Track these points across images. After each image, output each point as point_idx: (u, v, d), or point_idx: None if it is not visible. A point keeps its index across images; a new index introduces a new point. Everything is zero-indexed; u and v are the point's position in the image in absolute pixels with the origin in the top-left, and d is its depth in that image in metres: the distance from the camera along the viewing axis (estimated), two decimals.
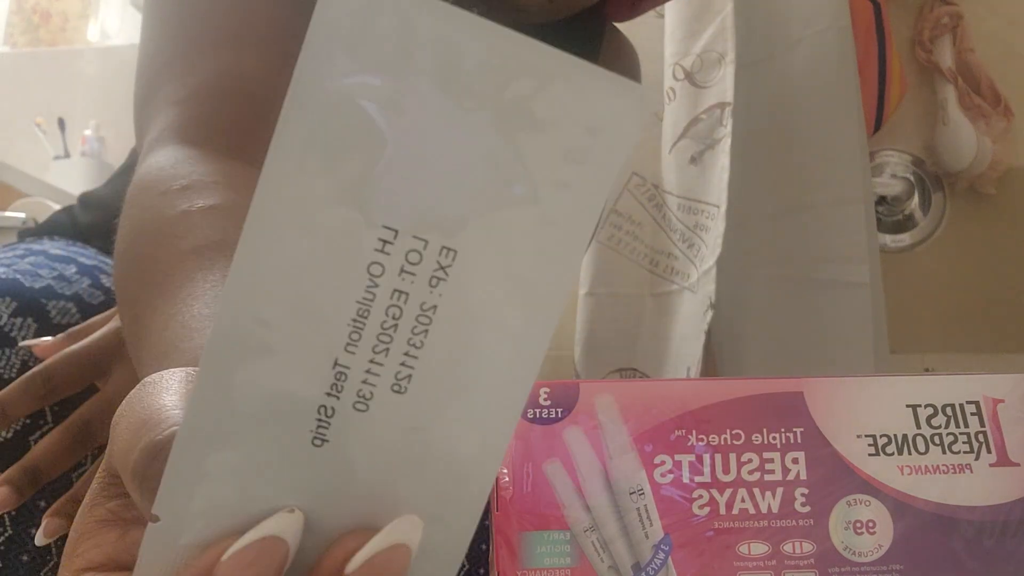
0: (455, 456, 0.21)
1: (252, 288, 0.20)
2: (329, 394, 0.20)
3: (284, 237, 0.19)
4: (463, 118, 0.19)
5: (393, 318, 0.20)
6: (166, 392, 0.24)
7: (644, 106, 0.19)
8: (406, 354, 0.20)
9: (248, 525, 0.20)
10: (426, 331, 0.20)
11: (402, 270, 0.20)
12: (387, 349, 0.20)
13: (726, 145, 0.92)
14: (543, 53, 0.19)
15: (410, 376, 0.21)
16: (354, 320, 0.20)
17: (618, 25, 0.74)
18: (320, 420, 0.21)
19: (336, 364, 0.20)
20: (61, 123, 1.79)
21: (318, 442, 0.21)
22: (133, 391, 0.25)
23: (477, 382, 0.21)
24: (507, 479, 0.36)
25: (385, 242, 0.20)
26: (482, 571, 0.51)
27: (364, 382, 0.20)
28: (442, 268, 0.20)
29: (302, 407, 0.21)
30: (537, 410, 0.37)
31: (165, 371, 0.26)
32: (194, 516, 0.21)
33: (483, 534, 0.51)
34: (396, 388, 0.21)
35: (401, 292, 0.20)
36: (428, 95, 0.19)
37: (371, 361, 0.20)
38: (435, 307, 0.20)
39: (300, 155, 0.19)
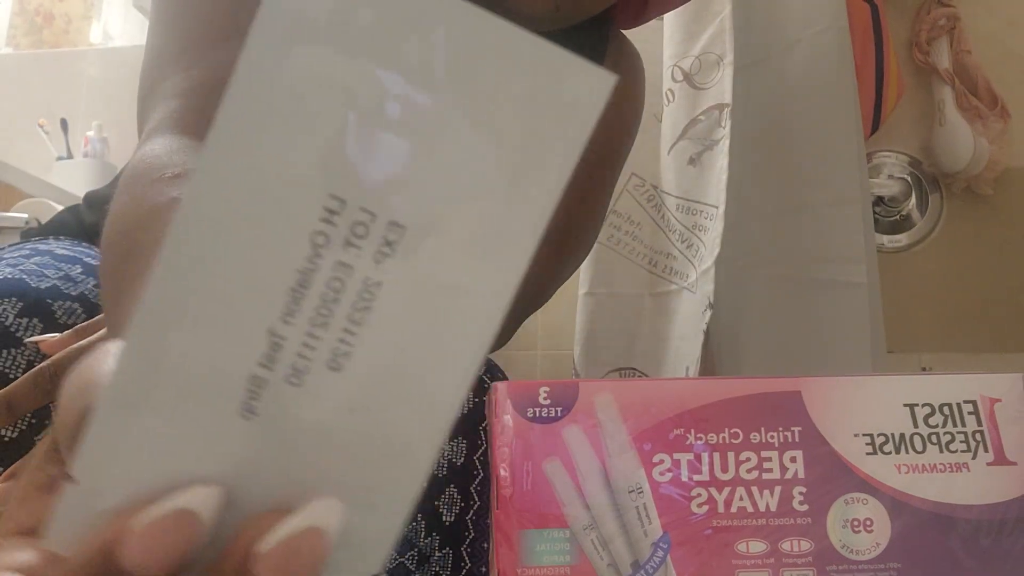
0: (390, 442, 0.20)
1: (189, 250, 0.19)
2: (262, 364, 0.20)
3: (226, 201, 0.19)
4: (424, 96, 0.19)
5: (334, 291, 0.19)
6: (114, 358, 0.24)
7: (606, 89, 0.19)
8: (345, 330, 0.20)
9: (167, 496, 0.20)
10: (368, 308, 0.19)
11: (347, 242, 0.19)
12: (326, 323, 0.19)
13: (725, 146, 0.92)
14: (509, 34, 0.19)
15: (348, 354, 0.20)
16: (293, 290, 0.19)
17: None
18: (251, 391, 0.20)
19: (271, 334, 0.19)
20: (64, 124, 1.79)
21: (247, 414, 0.20)
22: (85, 358, 0.25)
23: (417, 367, 0.20)
24: (506, 477, 0.37)
25: (331, 212, 0.19)
26: (483, 569, 0.51)
27: (300, 355, 0.20)
28: (388, 244, 0.19)
29: (232, 376, 0.20)
30: (537, 409, 0.37)
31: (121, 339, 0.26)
32: (113, 482, 0.20)
33: (484, 532, 0.52)
34: (332, 365, 0.20)
35: (345, 265, 0.19)
36: (389, 70, 0.19)
37: (308, 334, 0.20)
38: (380, 284, 0.19)
39: (251, 120, 0.19)
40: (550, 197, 0.20)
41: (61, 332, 0.50)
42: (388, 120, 0.19)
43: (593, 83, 0.19)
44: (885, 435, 0.38)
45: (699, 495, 0.37)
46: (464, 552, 0.53)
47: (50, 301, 0.51)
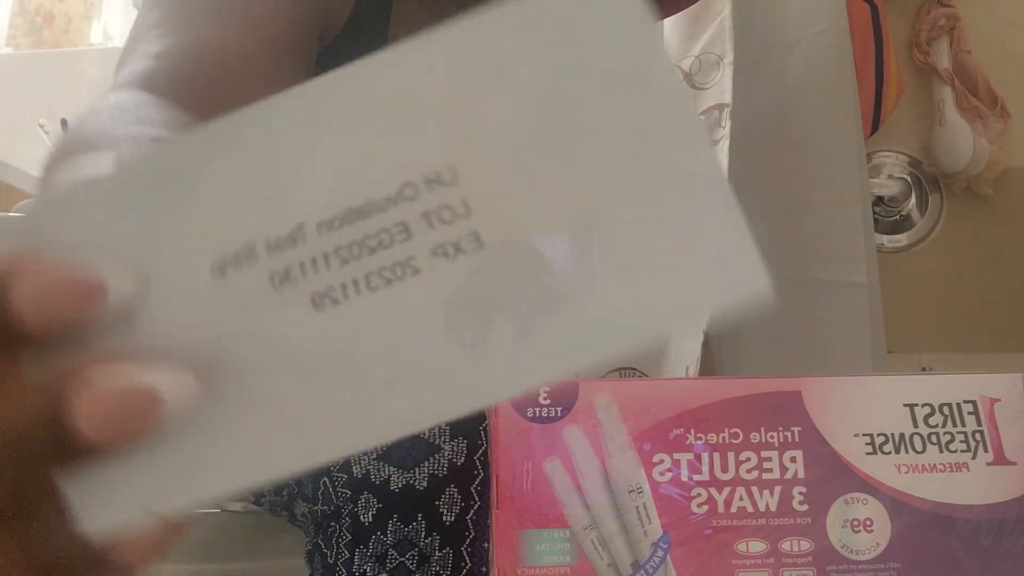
0: (298, 418, 0.18)
1: (314, 99, 0.18)
2: (266, 245, 0.18)
3: (381, 86, 0.18)
4: (607, 172, 0.17)
5: (379, 244, 0.17)
6: None
7: (760, 290, 0.17)
8: (355, 282, 0.17)
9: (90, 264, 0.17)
10: (388, 284, 0.17)
11: (425, 214, 0.17)
12: (346, 261, 0.17)
13: (724, 146, 0.92)
14: (716, 180, 0.17)
15: (337, 303, 0.17)
16: (350, 209, 0.17)
17: None
18: (236, 257, 0.18)
19: (299, 228, 0.17)
20: (64, 124, 1.79)
21: (215, 273, 0.18)
22: None
23: (382, 374, 0.17)
24: (507, 477, 0.37)
25: (435, 180, 0.17)
26: (483, 569, 0.51)
27: (300, 265, 0.17)
28: (455, 247, 0.17)
29: (235, 227, 0.18)
30: (537, 409, 0.37)
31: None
32: (68, 230, 0.18)
33: (484, 532, 0.52)
34: (316, 300, 0.17)
35: (406, 230, 0.17)
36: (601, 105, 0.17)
37: (323, 255, 0.17)
38: (417, 271, 0.17)
39: (472, 44, 0.17)
40: (634, 344, 0.17)
41: None
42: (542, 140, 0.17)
43: (755, 281, 0.17)
44: (885, 435, 0.38)
45: (699, 495, 0.37)
46: (464, 552, 0.53)
47: None
